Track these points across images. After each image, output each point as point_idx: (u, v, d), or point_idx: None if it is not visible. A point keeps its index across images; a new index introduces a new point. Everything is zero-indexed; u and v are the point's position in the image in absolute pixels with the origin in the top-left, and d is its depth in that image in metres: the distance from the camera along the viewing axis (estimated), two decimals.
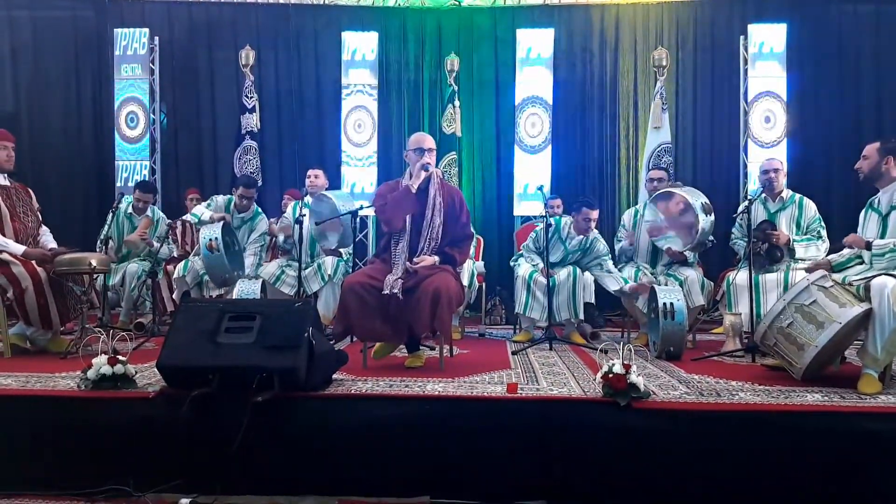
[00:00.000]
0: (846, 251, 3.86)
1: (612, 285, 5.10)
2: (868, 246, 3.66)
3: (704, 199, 4.69)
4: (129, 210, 5.98)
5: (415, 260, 3.94)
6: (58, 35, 7.82)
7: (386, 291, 3.79)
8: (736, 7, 7.65)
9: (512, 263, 5.53)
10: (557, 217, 5.51)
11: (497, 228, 7.70)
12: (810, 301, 3.42)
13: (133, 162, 7.45)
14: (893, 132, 6.53)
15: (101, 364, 3.18)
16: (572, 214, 5.25)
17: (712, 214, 4.67)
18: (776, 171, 4.86)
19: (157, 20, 7.81)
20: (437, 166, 6.95)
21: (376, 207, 4.16)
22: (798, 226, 4.74)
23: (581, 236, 5.20)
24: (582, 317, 5.20)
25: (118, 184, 7.35)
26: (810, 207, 4.80)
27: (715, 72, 7.67)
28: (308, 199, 5.53)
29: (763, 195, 4.89)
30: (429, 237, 4.02)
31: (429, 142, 4.17)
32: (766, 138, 7.08)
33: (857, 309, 3.33)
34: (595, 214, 5.16)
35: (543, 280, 5.07)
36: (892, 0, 7.34)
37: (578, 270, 5.18)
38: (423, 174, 4.03)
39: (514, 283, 5.31)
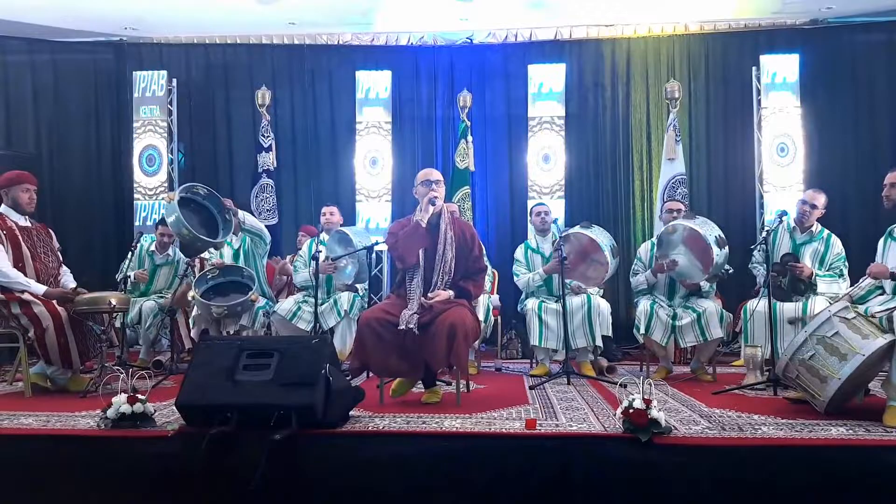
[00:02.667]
0: (865, 283, 3.82)
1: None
2: (892, 276, 3.63)
3: (719, 232, 4.67)
4: (152, 248, 6.02)
5: (429, 295, 3.95)
6: (78, 78, 8.00)
7: (402, 327, 3.79)
8: (747, 38, 7.71)
9: (520, 307, 5.51)
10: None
11: (512, 262, 7.69)
12: (832, 333, 3.38)
13: (151, 202, 7.55)
14: None
15: (120, 403, 3.20)
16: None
17: (726, 247, 4.65)
18: (813, 206, 4.82)
19: (174, 62, 7.99)
20: (450, 201, 7.11)
21: (389, 245, 4.19)
22: (822, 261, 4.70)
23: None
24: (600, 343, 5.16)
25: (136, 223, 7.45)
26: (837, 245, 4.75)
27: (728, 103, 7.70)
28: (324, 235, 5.57)
29: (792, 225, 4.87)
30: (442, 271, 4.03)
31: (435, 174, 4.20)
32: (781, 170, 7.08)
33: (881, 340, 3.29)
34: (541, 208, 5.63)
35: (554, 307, 5.07)
36: None
37: (593, 298, 5.16)
38: (431, 208, 4.05)
39: (525, 317, 5.30)
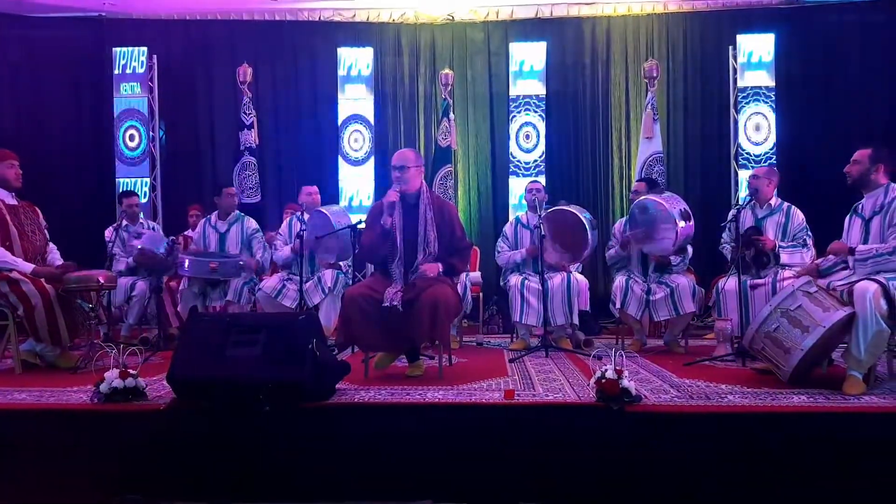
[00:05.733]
0: (831, 258, 3.99)
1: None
2: (851, 252, 3.79)
3: (684, 206, 4.81)
4: (125, 222, 6.07)
5: (420, 267, 4.06)
6: (57, 55, 7.91)
7: (386, 304, 3.91)
8: (724, 18, 7.80)
9: (502, 282, 5.65)
10: None
11: (493, 238, 7.80)
12: (796, 306, 3.55)
13: (133, 179, 7.57)
14: (881, 138, 6.71)
15: (112, 378, 3.30)
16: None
17: (691, 220, 4.79)
18: (756, 177, 4.98)
19: (154, 38, 7.92)
20: (432, 179, 7.20)
21: (360, 246, 4.46)
22: (784, 233, 4.84)
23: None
24: (577, 322, 5.32)
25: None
26: (797, 216, 4.90)
27: (705, 82, 7.81)
28: (304, 214, 5.70)
29: (752, 202, 5.01)
30: (426, 252, 4.14)
31: (403, 158, 4.21)
32: (756, 148, 7.24)
33: (841, 313, 3.47)
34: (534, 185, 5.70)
35: (535, 286, 5.21)
36: (876, 9, 7.48)
37: (572, 276, 5.30)
38: (393, 195, 4.13)
39: (508, 293, 5.43)
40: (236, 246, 5.84)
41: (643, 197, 5.11)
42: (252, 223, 5.97)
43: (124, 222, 6.03)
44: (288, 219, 6.08)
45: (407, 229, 4.16)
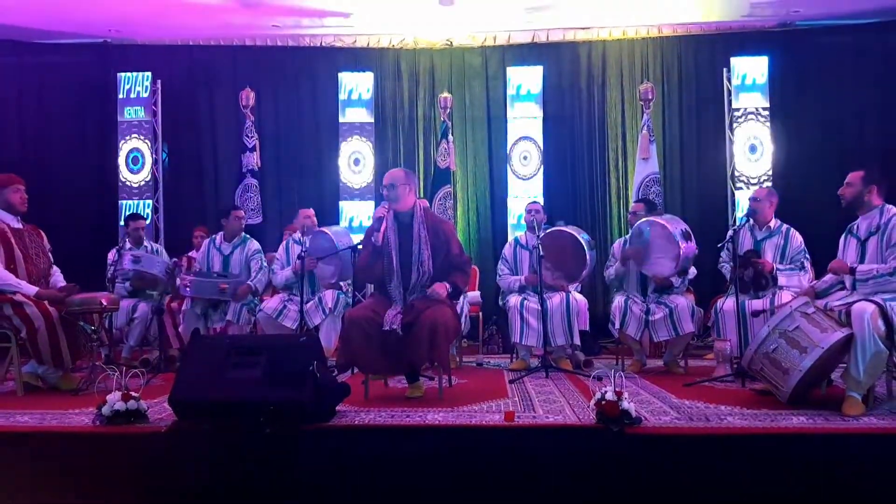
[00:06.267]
0: (828, 277, 4.02)
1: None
2: (852, 271, 3.82)
3: (685, 227, 4.86)
4: (128, 244, 6.11)
5: (428, 291, 4.08)
6: (63, 80, 7.99)
7: (386, 328, 3.93)
8: (718, 41, 7.89)
9: (501, 302, 5.67)
10: None
11: (493, 259, 7.85)
12: (794, 327, 3.57)
13: (136, 201, 7.63)
14: (874, 159, 6.77)
15: (114, 400, 3.31)
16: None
17: (692, 241, 4.84)
18: (756, 200, 5.03)
19: (158, 63, 8.01)
20: (432, 200, 7.26)
21: (356, 268, 4.52)
22: (783, 255, 4.87)
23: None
24: (577, 342, 5.34)
25: (122, 223, 7.51)
26: (796, 238, 4.93)
27: (700, 104, 7.88)
28: (298, 235, 5.91)
29: (751, 223, 5.05)
30: (420, 271, 4.15)
31: (392, 177, 4.23)
32: (752, 168, 7.31)
33: (839, 334, 3.49)
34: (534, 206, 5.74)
35: (535, 306, 5.23)
36: (869, 30, 7.58)
37: (571, 296, 5.32)
38: (380, 211, 4.20)
39: (507, 314, 5.46)
40: (239, 267, 5.87)
41: (644, 218, 5.15)
42: (254, 245, 5.99)
43: (127, 244, 6.06)
44: (285, 241, 6.11)
45: (402, 249, 4.17)
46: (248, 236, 6.07)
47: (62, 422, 3.51)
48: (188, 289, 5.45)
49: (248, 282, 5.73)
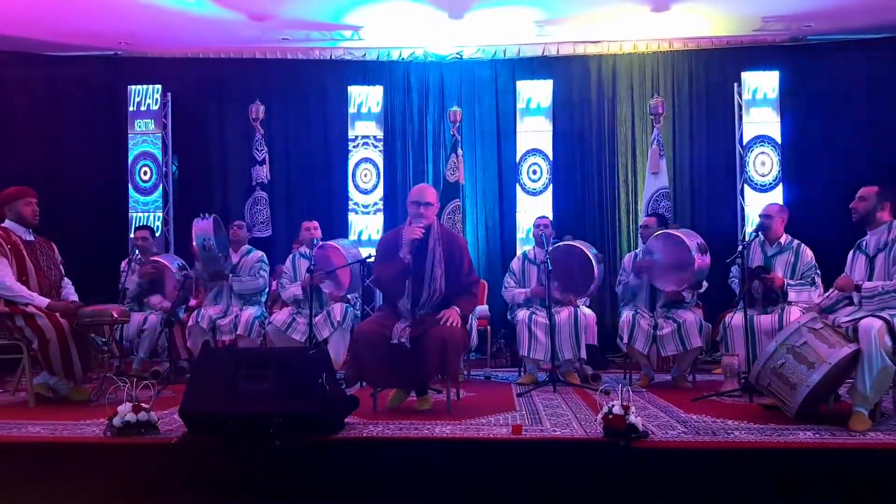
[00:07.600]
0: (835, 294, 4.02)
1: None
2: (858, 288, 3.82)
3: (700, 240, 4.88)
4: (138, 255, 6.16)
5: (439, 318, 4.04)
6: (74, 92, 8.08)
7: (394, 341, 3.94)
8: (729, 56, 7.91)
9: (509, 316, 5.68)
10: None
11: (501, 273, 7.85)
12: (801, 342, 3.58)
13: (146, 213, 7.69)
14: (886, 174, 6.75)
15: (125, 412, 3.34)
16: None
17: (708, 254, 4.85)
18: (768, 216, 5.03)
19: (169, 76, 8.08)
20: (441, 213, 7.29)
21: (374, 276, 4.41)
22: (794, 271, 4.87)
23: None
24: (585, 356, 5.34)
25: (132, 235, 7.57)
26: (807, 254, 4.93)
27: (710, 118, 7.89)
28: (304, 248, 5.91)
29: (762, 239, 5.05)
30: (430, 289, 4.15)
31: (427, 195, 4.24)
32: (762, 181, 7.32)
33: (846, 350, 3.49)
34: (542, 220, 5.70)
35: (543, 320, 5.24)
36: (881, 45, 7.57)
37: (579, 311, 5.33)
38: (418, 231, 4.11)
39: (515, 327, 5.47)
40: (247, 275, 5.97)
41: (660, 231, 5.16)
42: (256, 255, 6.07)
43: (137, 254, 6.12)
44: (292, 256, 6.15)
45: (416, 265, 4.18)
46: (251, 248, 6.17)
47: (73, 433, 3.55)
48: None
49: (233, 277, 5.87)
